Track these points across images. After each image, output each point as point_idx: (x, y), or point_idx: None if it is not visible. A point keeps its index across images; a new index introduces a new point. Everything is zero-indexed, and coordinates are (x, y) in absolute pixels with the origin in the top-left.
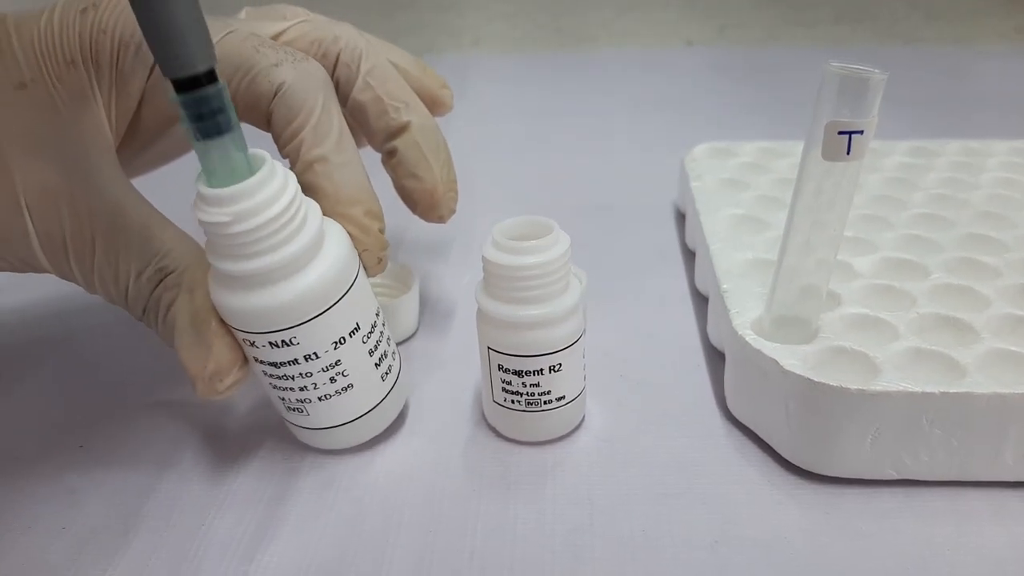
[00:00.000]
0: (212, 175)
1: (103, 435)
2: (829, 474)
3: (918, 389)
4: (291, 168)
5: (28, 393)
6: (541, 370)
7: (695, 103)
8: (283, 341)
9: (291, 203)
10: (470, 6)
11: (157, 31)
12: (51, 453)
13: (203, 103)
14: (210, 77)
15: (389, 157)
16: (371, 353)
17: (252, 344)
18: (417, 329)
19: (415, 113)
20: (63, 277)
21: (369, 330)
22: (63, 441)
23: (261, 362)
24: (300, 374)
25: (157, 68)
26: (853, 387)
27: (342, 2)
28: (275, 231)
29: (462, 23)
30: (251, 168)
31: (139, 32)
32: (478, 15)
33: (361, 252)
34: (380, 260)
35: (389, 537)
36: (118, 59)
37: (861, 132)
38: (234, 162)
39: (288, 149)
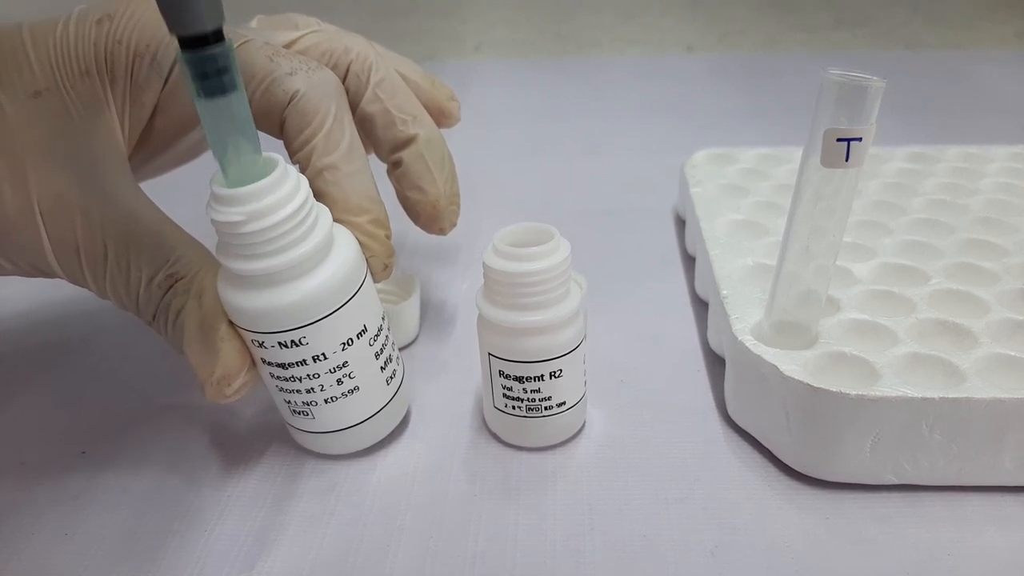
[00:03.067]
0: (227, 175)
1: (105, 442)
2: (829, 479)
3: (918, 394)
4: None
5: (31, 399)
6: (542, 376)
7: (695, 109)
8: (292, 341)
9: (303, 204)
10: (472, 12)
11: None
12: (54, 459)
13: (208, 62)
14: (217, 36)
15: (394, 168)
16: (377, 356)
17: (261, 345)
18: (418, 335)
19: (422, 126)
20: (75, 283)
21: (376, 333)
22: (66, 447)
23: (269, 363)
24: (308, 375)
25: (171, 79)
26: (853, 392)
27: (345, 8)
28: (287, 231)
29: (464, 29)
30: (265, 170)
31: (154, 43)
32: (480, 21)
33: (368, 258)
34: (386, 266)
35: (390, 542)
36: (133, 70)
37: (860, 139)
38: (248, 162)
39: (299, 156)
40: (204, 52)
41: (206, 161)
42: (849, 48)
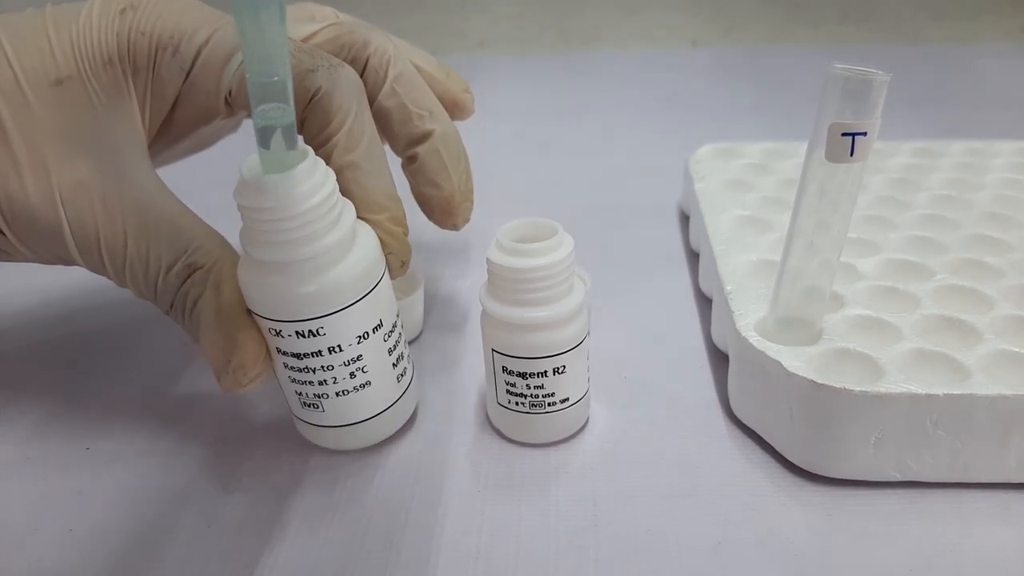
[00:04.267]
0: (262, 163)
1: (109, 438)
2: (833, 476)
3: (922, 391)
4: None
5: (35, 396)
6: (545, 372)
7: (700, 104)
8: (310, 331)
9: (331, 195)
10: (476, 8)
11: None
12: (58, 455)
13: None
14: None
15: (409, 163)
16: (390, 352)
17: (278, 334)
18: (422, 331)
19: (438, 121)
20: (94, 270)
21: (390, 329)
22: (70, 443)
23: (284, 353)
24: (322, 367)
25: (193, 71)
26: (857, 389)
27: (350, 4)
28: (314, 220)
29: (468, 25)
30: (295, 160)
31: (177, 35)
32: (483, 17)
33: (387, 255)
34: (403, 264)
35: (394, 538)
36: (155, 61)
37: (864, 134)
38: (284, 155)
39: (320, 153)
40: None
41: (225, 152)
42: (854, 42)
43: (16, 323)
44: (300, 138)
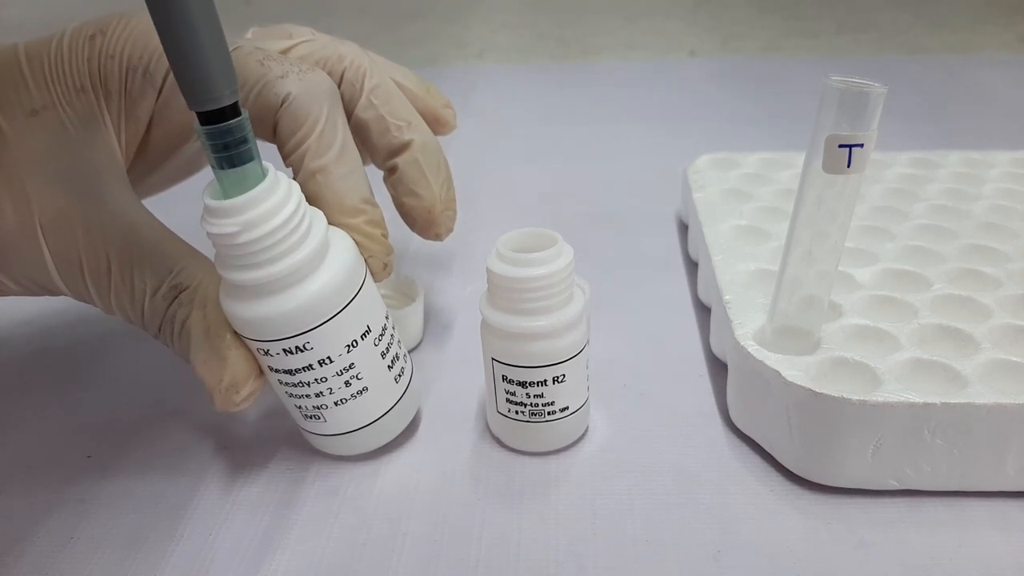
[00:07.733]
0: (224, 186)
1: (110, 445)
2: (831, 484)
3: (919, 400)
4: (294, 178)
5: (37, 404)
6: (545, 381)
7: (698, 114)
8: (297, 347)
9: (296, 211)
10: (475, 18)
11: (185, 63)
12: (59, 463)
13: (227, 134)
14: (234, 110)
15: (390, 174)
16: (383, 355)
17: (266, 353)
18: (422, 340)
19: (417, 132)
20: (80, 299)
21: (380, 333)
22: (71, 451)
23: (276, 371)
24: (315, 380)
25: (164, 90)
26: (855, 398)
27: (349, 15)
28: (282, 239)
29: (467, 35)
30: (256, 179)
31: (146, 55)
32: (483, 27)
33: (367, 258)
34: (386, 265)
35: (394, 546)
36: (126, 83)
37: (861, 145)
38: (246, 175)
39: (292, 159)
40: (222, 126)
41: (205, 173)
42: (851, 53)
43: (17, 331)
44: (267, 150)
